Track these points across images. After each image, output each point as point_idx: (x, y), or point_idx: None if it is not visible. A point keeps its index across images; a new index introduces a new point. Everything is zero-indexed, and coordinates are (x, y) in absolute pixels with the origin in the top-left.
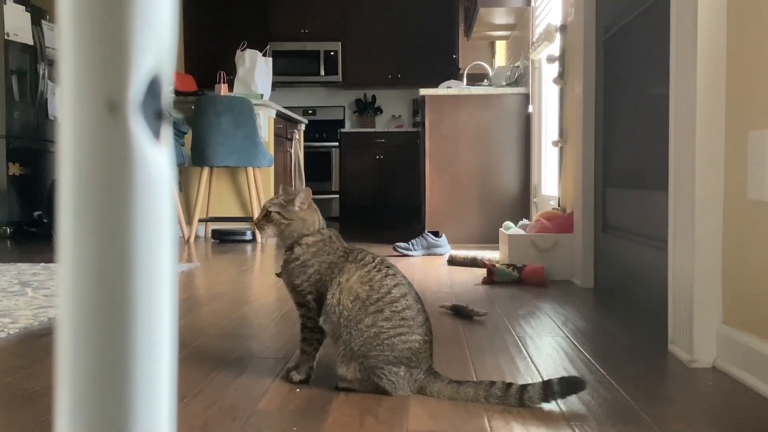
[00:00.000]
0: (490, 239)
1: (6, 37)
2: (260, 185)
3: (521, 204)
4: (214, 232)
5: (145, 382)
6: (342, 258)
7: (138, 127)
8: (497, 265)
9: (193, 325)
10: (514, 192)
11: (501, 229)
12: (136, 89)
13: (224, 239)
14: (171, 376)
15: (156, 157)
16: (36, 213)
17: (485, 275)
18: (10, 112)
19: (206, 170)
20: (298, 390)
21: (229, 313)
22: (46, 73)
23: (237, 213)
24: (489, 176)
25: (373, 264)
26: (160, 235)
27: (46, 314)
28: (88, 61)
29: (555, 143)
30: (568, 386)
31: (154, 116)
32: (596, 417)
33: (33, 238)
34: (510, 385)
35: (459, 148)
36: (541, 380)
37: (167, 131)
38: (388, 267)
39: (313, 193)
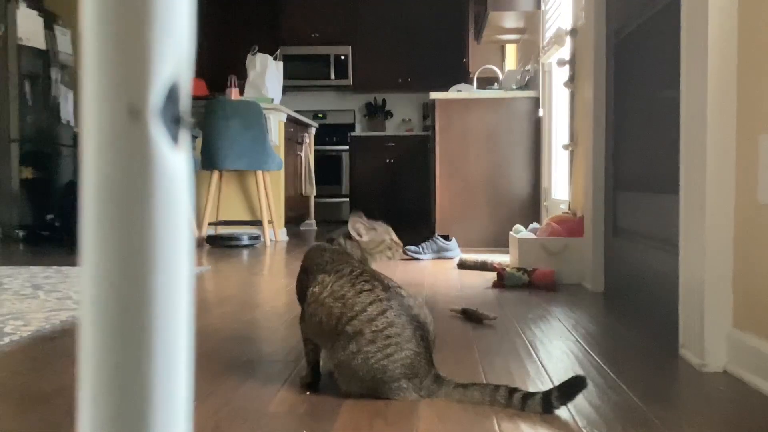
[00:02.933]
0: (501, 243)
1: (19, 42)
2: (269, 189)
3: (531, 207)
4: (209, 237)
5: (163, 382)
6: (319, 266)
7: (158, 132)
8: (507, 268)
9: (203, 328)
10: (524, 195)
11: (511, 232)
12: (156, 95)
13: (221, 244)
14: (188, 377)
15: (175, 161)
16: (48, 216)
17: (495, 279)
18: (23, 117)
19: (216, 174)
20: (308, 393)
21: (239, 316)
22: (59, 78)
23: (246, 217)
24: (499, 180)
25: (348, 277)
26: (178, 237)
27: (58, 317)
28: (110, 69)
29: (566, 147)
30: (568, 389)
31: (173, 122)
32: (606, 420)
33: (45, 241)
34: (514, 391)
35: (469, 151)
36: (541, 392)
37: (186, 136)
38: (365, 281)
39: (323, 197)
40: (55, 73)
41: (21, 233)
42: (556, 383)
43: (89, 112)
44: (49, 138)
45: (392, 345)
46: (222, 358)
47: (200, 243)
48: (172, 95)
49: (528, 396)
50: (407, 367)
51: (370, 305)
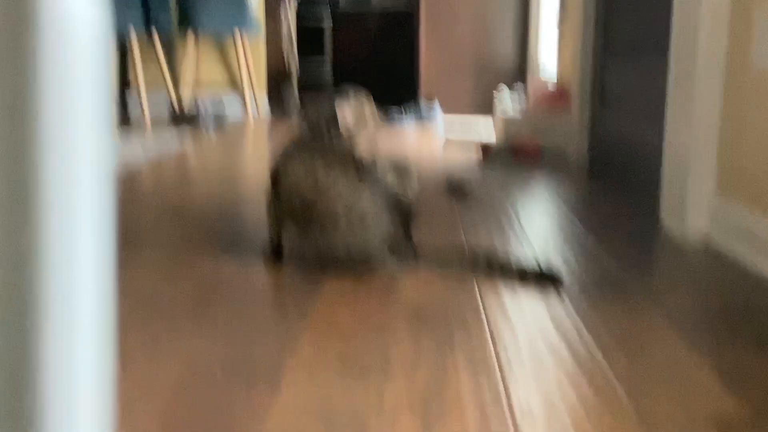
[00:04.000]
0: (485, 109)
1: None
2: (249, 57)
3: (515, 76)
4: (172, 114)
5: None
6: (291, 146)
7: None
8: (491, 144)
9: (180, 203)
10: (509, 63)
11: (495, 97)
12: None
13: (182, 121)
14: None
15: (85, 16)
16: None
17: (480, 155)
18: None
19: (193, 38)
20: (292, 267)
21: (222, 193)
22: None
23: (226, 88)
24: (484, 48)
25: (321, 158)
26: (74, 102)
27: None
28: None
29: (560, 15)
30: (544, 277)
31: None
32: (583, 286)
33: None
34: (492, 258)
35: (455, 21)
36: (518, 268)
37: None
38: (336, 160)
39: (307, 61)
40: None
41: None
42: (538, 254)
43: None
44: None
45: (368, 225)
46: (204, 232)
47: (180, 119)
48: None
49: (506, 266)
50: (385, 242)
51: (342, 183)
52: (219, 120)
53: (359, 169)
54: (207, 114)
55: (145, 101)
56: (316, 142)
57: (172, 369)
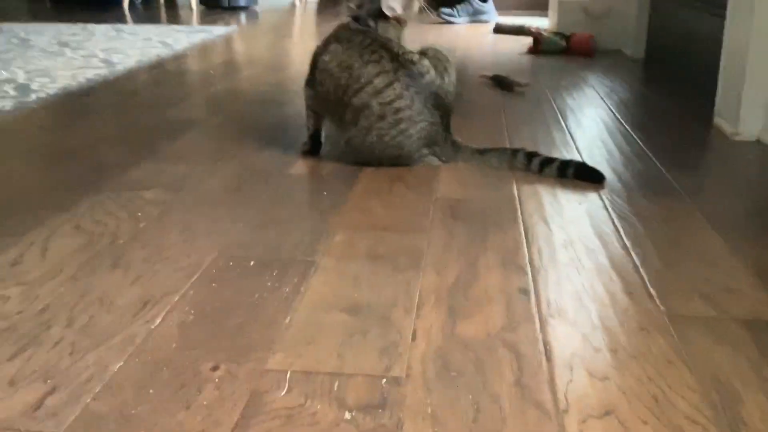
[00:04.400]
0: (540, 6)
1: None
2: None
3: None
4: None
5: None
6: (332, 36)
7: None
8: (544, 33)
9: (229, 90)
10: None
11: None
12: None
13: (213, 4)
14: None
15: None
16: None
17: (531, 44)
18: None
19: None
20: (329, 161)
21: (265, 79)
22: None
23: None
24: None
25: (358, 48)
26: None
27: (84, 75)
28: None
29: None
30: (584, 173)
31: None
32: (626, 186)
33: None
34: (532, 155)
35: None
36: (559, 160)
37: None
38: (373, 51)
39: None
40: None
41: None
42: (582, 153)
43: None
44: None
45: (405, 119)
46: (247, 121)
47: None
48: None
49: (546, 162)
50: (423, 139)
51: (377, 77)
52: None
53: (397, 62)
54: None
55: None
56: (358, 33)
57: (207, 255)
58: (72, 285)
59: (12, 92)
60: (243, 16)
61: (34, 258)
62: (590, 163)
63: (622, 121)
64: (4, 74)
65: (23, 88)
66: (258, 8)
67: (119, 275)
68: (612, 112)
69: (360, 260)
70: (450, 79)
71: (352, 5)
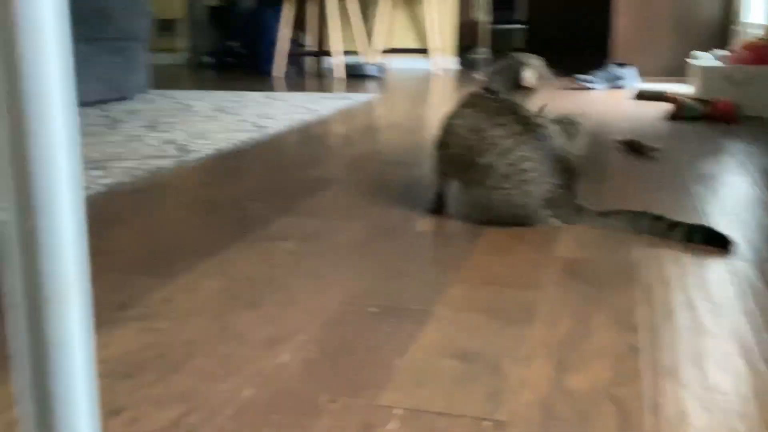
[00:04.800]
0: (683, 71)
1: None
2: (435, 15)
3: (719, 33)
4: (351, 69)
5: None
6: (464, 101)
7: None
8: (684, 99)
9: (366, 152)
10: (713, 20)
11: (690, 59)
12: None
13: (351, 74)
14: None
15: None
16: (232, 44)
17: (671, 110)
18: None
19: (385, 2)
20: (454, 220)
21: (400, 142)
22: None
23: (414, 45)
24: (685, 2)
25: (487, 111)
26: (45, 46)
27: (237, 137)
28: None
29: None
30: (711, 238)
31: None
32: (756, 252)
33: (231, 67)
34: (658, 219)
35: None
36: (688, 223)
37: None
38: (502, 115)
39: (496, 23)
40: None
41: (208, 60)
42: (711, 219)
43: None
44: None
45: (529, 180)
46: (380, 180)
47: (365, 71)
48: None
49: (672, 225)
50: (547, 200)
51: (505, 138)
52: (381, 73)
53: (525, 125)
54: (375, 69)
55: (339, 59)
56: (489, 99)
57: (333, 301)
58: (214, 321)
59: (173, 152)
60: (382, 84)
61: (183, 297)
62: (719, 229)
63: (761, 189)
64: (169, 136)
65: (183, 149)
66: (397, 76)
67: (255, 315)
68: (754, 181)
69: (475, 312)
70: (577, 144)
71: (485, 77)
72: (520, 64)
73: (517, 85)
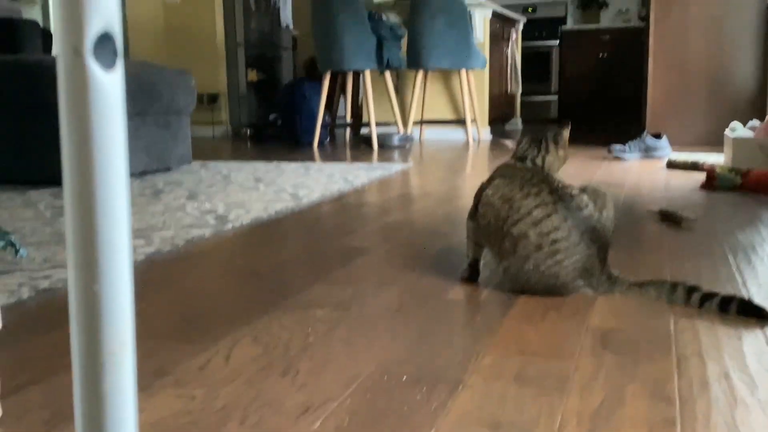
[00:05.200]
0: (717, 142)
1: None
2: (473, 88)
3: (755, 103)
4: (360, 136)
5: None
6: (496, 172)
7: (93, 63)
8: (718, 169)
9: (401, 221)
10: (748, 90)
11: (726, 131)
12: (90, 40)
13: (381, 144)
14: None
15: (108, 81)
16: (271, 116)
17: (704, 180)
18: (247, 22)
19: (420, 73)
20: (487, 289)
21: (435, 211)
22: None
23: (450, 116)
24: (719, 72)
25: (519, 181)
26: (113, 140)
27: (274, 207)
28: (62, 22)
29: None
30: (748, 309)
31: (107, 56)
32: None
33: (269, 138)
34: (692, 290)
35: (687, 42)
36: (723, 294)
37: (118, 66)
38: (533, 185)
39: (530, 94)
40: None
41: (248, 131)
42: (749, 290)
43: (56, 49)
44: (270, 42)
45: (561, 250)
46: (413, 249)
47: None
48: (105, 39)
49: (707, 296)
50: (579, 270)
51: (536, 208)
52: (406, 142)
53: (556, 195)
54: (399, 139)
55: (374, 129)
56: (521, 169)
57: (366, 368)
58: (248, 388)
59: (212, 221)
60: (412, 153)
61: (218, 364)
62: (757, 300)
63: None
64: (208, 206)
65: (221, 218)
66: (432, 146)
67: (288, 382)
68: None
69: (507, 381)
70: (608, 215)
71: (517, 149)
72: (549, 133)
73: (546, 153)
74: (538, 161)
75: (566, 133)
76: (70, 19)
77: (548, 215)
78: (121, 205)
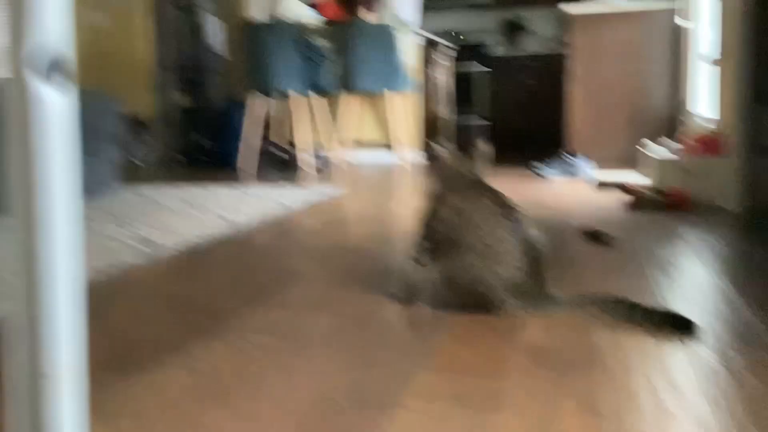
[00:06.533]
0: (635, 161)
1: None
2: (399, 111)
3: (669, 124)
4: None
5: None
6: (446, 188)
7: (39, 82)
8: (643, 191)
9: (335, 244)
10: (662, 112)
11: (643, 149)
12: (41, 62)
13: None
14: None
15: (50, 98)
16: (202, 140)
17: (630, 201)
18: (178, 47)
19: (350, 95)
20: (425, 308)
21: (368, 234)
22: (203, 4)
23: (383, 139)
24: (635, 94)
25: (469, 194)
26: (64, 165)
27: (207, 232)
28: (14, 47)
29: (715, 62)
30: (675, 321)
31: (55, 75)
32: (717, 337)
33: (202, 164)
34: (619, 302)
35: (605, 65)
36: (646, 307)
37: (64, 86)
38: (484, 197)
39: (459, 118)
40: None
41: (180, 158)
42: (669, 302)
43: (9, 69)
44: (201, 66)
45: (502, 263)
46: (349, 272)
47: (327, 165)
48: (56, 62)
49: (632, 308)
50: (515, 287)
51: (486, 221)
52: (324, 165)
53: (501, 206)
54: (318, 162)
55: (304, 153)
56: (463, 178)
57: (305, 395)
58: (182, 418)
59: (143, 248)
60: (331, 175)
61: (149, 393)
62: (679, 311)
63: (718, 275)
64: (138, 232)
65: (152, 245)
66: (364, 169)
67: (225, 411)
68: (709, 267)
69: (445, 402)
70: (537, 233)
71: (445, 149)
72: (471, 147)
73: (470, 156)
74: (476, 171)
75: (485, 147)
76: (23, 43)
77: (496, 228)
78: (73, 230)
